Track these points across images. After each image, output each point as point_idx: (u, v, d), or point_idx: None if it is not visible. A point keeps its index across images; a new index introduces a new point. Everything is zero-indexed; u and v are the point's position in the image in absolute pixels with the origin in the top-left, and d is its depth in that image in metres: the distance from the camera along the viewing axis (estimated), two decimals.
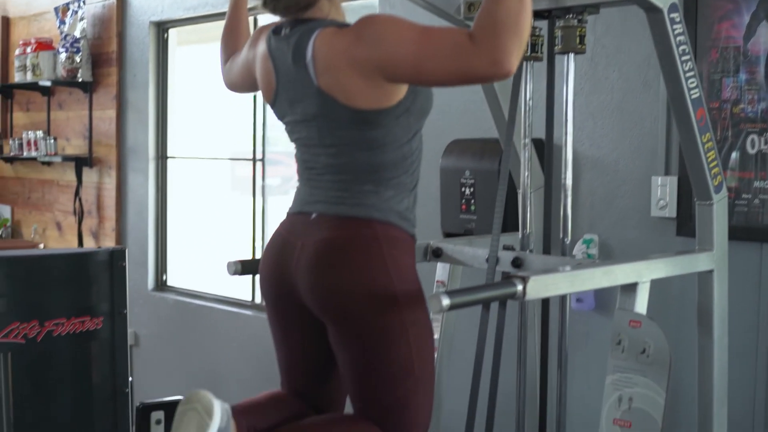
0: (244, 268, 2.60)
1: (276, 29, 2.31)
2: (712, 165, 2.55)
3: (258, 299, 4.96)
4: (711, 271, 2.57)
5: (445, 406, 2.98)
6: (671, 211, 3.12)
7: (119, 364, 3.10)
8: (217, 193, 5.66)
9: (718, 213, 2.58)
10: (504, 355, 2.68)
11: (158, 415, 3.58)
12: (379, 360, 2.17)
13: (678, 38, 2.44)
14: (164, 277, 5.64)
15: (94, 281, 3.05)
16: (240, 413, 2.19)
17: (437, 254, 2.81)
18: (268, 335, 2.43)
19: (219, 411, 2.09)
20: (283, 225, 2.36)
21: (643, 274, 2.35)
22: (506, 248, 2.64)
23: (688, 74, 2.47)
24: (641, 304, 2.34)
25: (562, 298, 2.77)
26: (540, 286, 2.11)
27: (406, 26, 2.09)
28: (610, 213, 3.29)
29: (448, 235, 3.56)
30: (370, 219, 2.20)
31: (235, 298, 5.11)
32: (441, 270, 2.90)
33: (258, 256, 3.68)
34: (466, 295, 1.99)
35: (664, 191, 3.12)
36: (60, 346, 2.94)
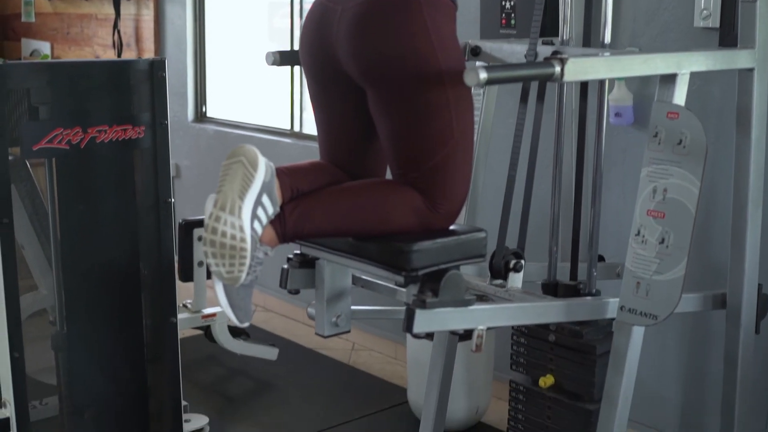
0: (283, 58, 2.60)
1: None
2: None
3: (297, 128, 4.98)
4: (752, 69, 2.53)
5: (480, 209, 3.02)
6: (714, 21, 3.06)
7: (161, 174, 3.14)
8: (253, 43, 5.62)
9: (762, 11, 2.53)
10: (539, 168, 2.67)
11: (200, 232, 3.66)
12: (420, 124, 2.18)
13: None
14: (204, 109, 5.67)
15: (134, 90, 3.07)
16: (284, 173, 2.22)
17: (475, 53, 2.79)
18: None
19: (264, 165, 2.13)
20: None
21: (683, 65, 2.34)
22: (545, 43, 2.62)
23: None
24: (680, 95, 2.34)
25: (599, 113, 2.76)
26: (578, 69, 2.10)
27: None
28: (652, 26, 3.24)
29: None
30: None
31: (275, 127, 5.13)
32: None
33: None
34: (504, 71, 1.99)
35: (708, 1, 3.06)
36: (103, 153, 2.98)
